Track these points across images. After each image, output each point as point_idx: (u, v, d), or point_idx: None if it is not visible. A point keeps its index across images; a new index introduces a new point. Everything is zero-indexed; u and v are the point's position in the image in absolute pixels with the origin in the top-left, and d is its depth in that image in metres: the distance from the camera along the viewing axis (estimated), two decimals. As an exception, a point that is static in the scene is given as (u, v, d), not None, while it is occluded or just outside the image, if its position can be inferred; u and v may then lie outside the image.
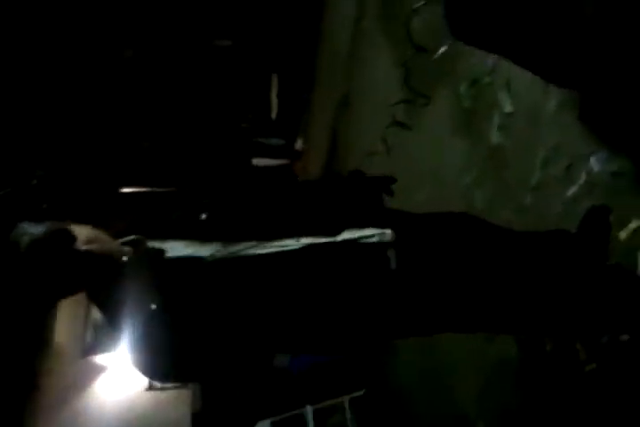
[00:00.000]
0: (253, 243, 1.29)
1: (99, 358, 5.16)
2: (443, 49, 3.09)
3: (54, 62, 5.18)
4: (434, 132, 3.14)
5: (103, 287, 1.28)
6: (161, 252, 1.29)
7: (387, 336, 1.49)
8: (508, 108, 2.41)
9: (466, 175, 2.69)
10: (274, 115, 6.90)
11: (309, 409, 4.05)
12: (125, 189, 6.76)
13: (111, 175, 6.65)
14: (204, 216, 1.35)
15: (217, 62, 6.43)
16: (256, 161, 6.84)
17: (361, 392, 4.04)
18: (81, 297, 1.32)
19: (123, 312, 1.24)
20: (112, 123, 6.15)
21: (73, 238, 1.23)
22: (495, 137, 2.48)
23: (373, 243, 1.31)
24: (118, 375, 5.08)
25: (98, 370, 5.24)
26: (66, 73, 5.33)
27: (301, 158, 6.49)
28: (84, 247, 1.24)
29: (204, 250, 1.29)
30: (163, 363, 1.27)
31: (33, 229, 1.22)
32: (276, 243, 1.30)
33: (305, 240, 1.31)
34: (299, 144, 6.55)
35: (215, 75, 6.58)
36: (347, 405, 4.03)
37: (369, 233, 1.33)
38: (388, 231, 1.34)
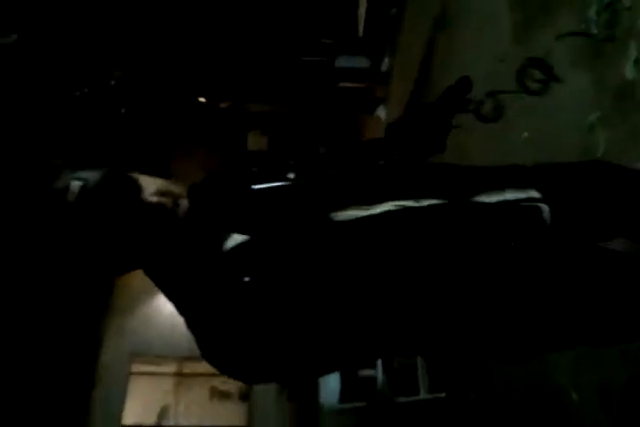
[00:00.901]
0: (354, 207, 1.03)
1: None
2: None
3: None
4: (552, 63, 2.78)
5: (172, 256, 1.04)
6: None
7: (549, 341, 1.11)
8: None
9: (587, 114, 2.37)
10: (361, 31, 6.47)
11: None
12: (202, 99, 6.61)
13: (190, 82, 6.49)
14: (291, 175, 1.09)
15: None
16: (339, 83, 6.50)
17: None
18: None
19: (196, 289, 1.01)
20: (198, 33, 5.91)
21: (139, 187, 1.00)
22: (630, 72, 2.14)
23: (523, 205, 1.05)
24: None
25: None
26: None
27: (387, 82, 6.11)
28: (153, 199, 1.01)
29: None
30: (247, 357, 1.01)
31: (87, 174, 0.99)
32: (384, 204, 1.04)
33: (427, 202, 1.04)
34: (385, 65, 6.14)
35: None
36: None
37: (511, 196, 1.07)
38: (534, 192, 1.08)
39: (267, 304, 0.97)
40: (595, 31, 2.42)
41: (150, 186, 1.03)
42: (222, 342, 0.99)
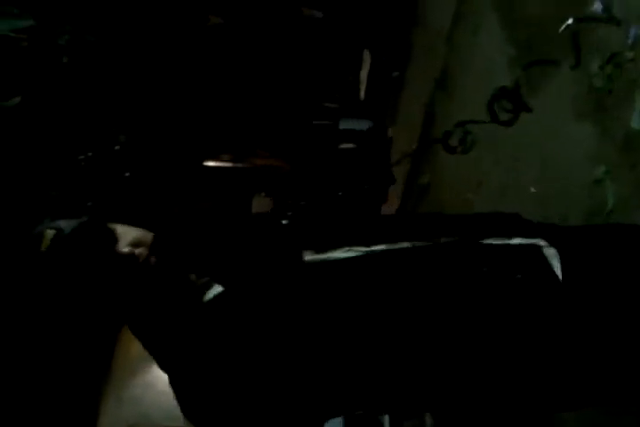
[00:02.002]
0: (346, 248, 0.97)
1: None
2: (569, 21, 2.71)
3: (143, 26, 5.05)
4: (552, 117, 2.76)
5: (149, 306, 1.00)
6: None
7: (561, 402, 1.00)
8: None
9: (592, 169, 2.31)
10: (362, 94, 6.56)
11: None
12: (209, 163, 6.63)
13: (197, 147, 6.54)
14: (284, 221, 1.05)
15: (305, 34, 6.16)
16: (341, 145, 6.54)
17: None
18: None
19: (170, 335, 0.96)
20: (198, 92, 6.00)
21: (114, 237, 0.98)
22: (636, 123, 2.10)
23: (530, 247, 0.97)
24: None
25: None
26: (154, 37, 5.19)
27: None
28: (127, 249, 0.98)
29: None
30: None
31: (63, 223, 0.98)
32: (380, 246, 0.98)
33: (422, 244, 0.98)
34: (389, 132, 6.19)
35: (302, 48, 6.32)
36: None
37: (517, 242, 1.00)
38: (546, 244, 1.00)
39: (250, 357, 0.89)
40: (598, 84, 2.40)
41: (126, 236, 1.01)
42: (204, 400, 0.92)
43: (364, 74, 6.28)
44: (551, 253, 0.96)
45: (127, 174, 5.52)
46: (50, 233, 0.96)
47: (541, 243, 0.98)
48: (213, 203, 6.85)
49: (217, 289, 0.95)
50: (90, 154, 4.85)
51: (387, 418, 4.33)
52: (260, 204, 6.98)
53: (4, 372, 4.11)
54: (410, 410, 1.05)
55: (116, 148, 5.16)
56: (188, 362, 0.94)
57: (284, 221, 1.03)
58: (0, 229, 1.05)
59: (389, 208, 4.97)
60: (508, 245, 0.96)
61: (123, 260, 0.98)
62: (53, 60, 3.83)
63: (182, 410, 0.96)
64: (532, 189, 2.80)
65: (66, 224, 0.98)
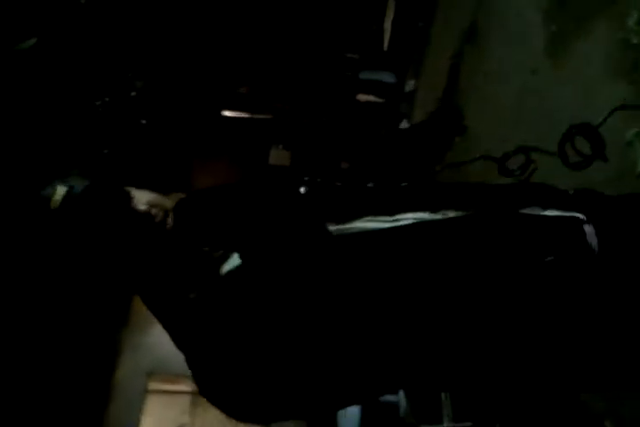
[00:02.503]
0: (368, 217, 0.92)
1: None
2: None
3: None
4: (584, 75, 2.64)
5: (164, 272, 0.96)
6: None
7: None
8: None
9: (625, 130, 2.22)
10: (386, 45, 6.36)
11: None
12: (226, 113, 6.54)
13: (215, 96, 6.44)
14: (302, 190, 0.99)
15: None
16: (360, 97, 6.40)
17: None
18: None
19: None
20: (220, 39, 5.86)
21: (129, 197, 0.95)
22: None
23: (570, 220, 0.91)
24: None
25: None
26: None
27: (411, 99, 5.98)
28: (144, 208, 0.96)
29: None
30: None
31: (75, 181, 0.94)
32: (403, 216, 0.92)
33: (453, 213, 0.91)
34: (409, 85, 6.01)
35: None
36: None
37: (553, 214, 0.93)
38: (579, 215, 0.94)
39: (269, 333, 0.85)
40: (635, 41, 2.28)
41: (142, 197, 0.98)
42: (223, 379, 0.88)
43: (387, 23, 6.07)
44: (590, 231, 0.90)
45: (144, 121, 5.46)
46: (61, 191, 0.93)
47: (581, 217, 0.92)
48: (231, 155, 6.81)
49: (235, 262, 0.90)
50: (107, 99, 4.77)
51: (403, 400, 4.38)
52: (278, 156, 6.92)
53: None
54: (432, 388, 1.01)
55: (133, 94, 5.08)
56: (201, 337, 0.90)
57: (302, 189, 0.97)
58: (16, 178, 1.03)
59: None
60: (546, 217, 0.90)
61: (138, 218, 0.95)
62: (71, 2, 3.72)
63: (202, 392, 0.93)
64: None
65: (78, 182, 0.95)
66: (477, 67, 4.15)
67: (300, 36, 6.32)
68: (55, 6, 3.57)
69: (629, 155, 2.21)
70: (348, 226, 0.90)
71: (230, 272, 0.89)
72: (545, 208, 0.93)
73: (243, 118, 6.77)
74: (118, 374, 6.22)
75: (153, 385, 7.60)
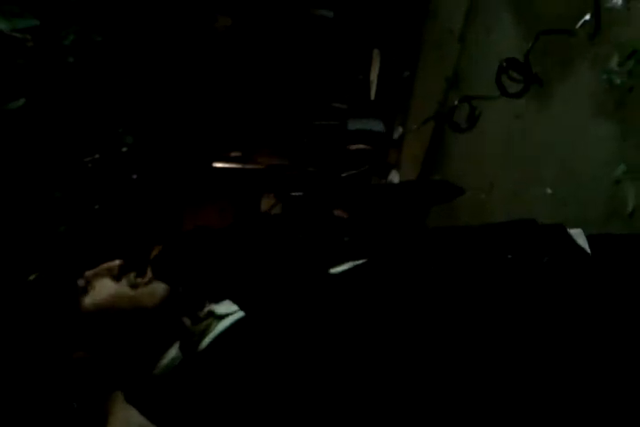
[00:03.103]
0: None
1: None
2: (586, 17, 2.62)
3: (150, 26, 4.99)
4: (569, 114, 2.66)
5: None
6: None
7: None
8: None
9: (612, 169, 2.22)
10: (372, 95, 6.47)
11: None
12: (218, 164, 6.56)
13: (205, 148, 6.48)
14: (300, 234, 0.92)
15: (314, 34, 6.08)
16: (350, 146, 6.46)
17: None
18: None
19: None
20: (206, 92, 5.94)
21: (82, 291, 0.86)
22: (659, 122, 2.01)
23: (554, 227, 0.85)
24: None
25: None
26: (161, 36, 5.13)
27: (399, 146, 6.04)
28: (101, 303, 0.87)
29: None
30: None
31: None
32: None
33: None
34: (398, 132, 6.09)
35: (311, 47, 6.24)
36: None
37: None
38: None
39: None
40: (617, 82, 2.31)
41: (102, 289, 0.90)
42: None
43: (374, 73, 6.19)
44: (577, 232, 0.85)
45: (134, 176, 5.46)
46: None
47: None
48: (222, 205, 6.81)
49: (224, 323, 0.84)
50: (96, 156, 4.79)
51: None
52: (269, 203, 6.91)
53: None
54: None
55: (123, 149, 5.10)
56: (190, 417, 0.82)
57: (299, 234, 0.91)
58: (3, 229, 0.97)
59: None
60: (532, 224, 0.86)
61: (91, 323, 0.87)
62: (59, 61, 3.76)
63: None
64: (548, 191, 2.71)
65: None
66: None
67: (288, 87, 6.43)
68: (44, 65, 3.61)
69: (618, 193, 2.21)
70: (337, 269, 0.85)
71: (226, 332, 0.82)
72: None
73: (234, 169, 6.80)
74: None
75: None
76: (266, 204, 6.87)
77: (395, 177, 6.13)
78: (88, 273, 0.90)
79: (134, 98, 5.09)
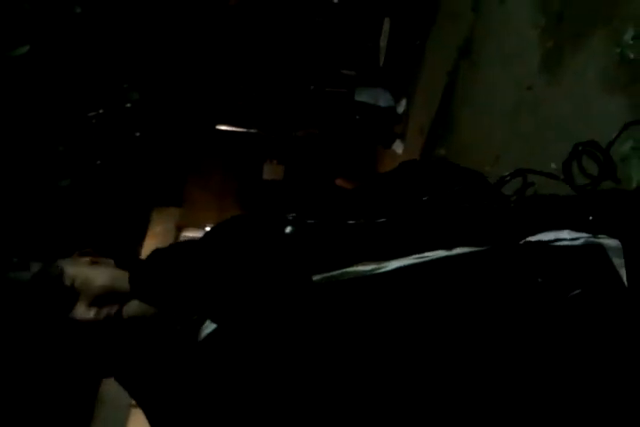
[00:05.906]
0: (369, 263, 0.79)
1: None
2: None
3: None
4: (579, 90, 2.63)
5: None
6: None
7: None
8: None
9: (620, 144, 2.19)
10: (381, 62, 6.39)
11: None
12: (220, 127, 6.52)
13: (210, 110, 6.42)
14: (288, 230, 0.85)
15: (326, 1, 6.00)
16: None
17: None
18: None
19: None
20: (215, 53, 5.86)
21: (74, 296, 0.83)
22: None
23: (584, 246, 0.78)
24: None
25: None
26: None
27: (405, 119, 5.98)
28: (89, 314, 0.84)
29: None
30: None
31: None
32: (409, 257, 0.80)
33: (461, 250, 0.80)
34: (402, 106, 6.02)
35: (322, 15, 6.16)
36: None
37: (569, 236, 0.80)
38: (605, 237, 0.80)
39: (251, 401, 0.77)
40: (631, 56, 2.28)
41: (95, 280, 0.86)
42: None
43: (383, 41, 6.09)
44: (614, 246, 0.77)
45: (137, 134, 5.42)
46: None
47: (601, 239, 0.79)
48: (225, 169, 6.79)
49: (209, 327, 0.81)
50: (101, 111, 4.75)
51: None
52: (272, 171, 6.89)
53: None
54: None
55: (127, 105, 5.05)
56: (183, 413, 0.82)
57: (287, 229, 0.83)
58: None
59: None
60: (563, 246, 0.78)
61: (83, 329, 0.84)
62: (66, 10, 3.70)
63: None
64: (553, 166, 2.69)
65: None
66: (473, 82, 4.15)
67: (297, 52, 6.34)
68: (50, 14, 3.54)
69: (624, 169, 2.19)
70: (343, 271, 0.79)
71: (205, 339, 0.81)
72: (560, 230, 0.81)
73: (237, 132, 6.76)
74: (103, 389, 6.12)
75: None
76: (268, 169, 6.85)
77: (399, 147, 6.09)
78: (62, 261, 0.88)
79: (141, 54, 5.03)
